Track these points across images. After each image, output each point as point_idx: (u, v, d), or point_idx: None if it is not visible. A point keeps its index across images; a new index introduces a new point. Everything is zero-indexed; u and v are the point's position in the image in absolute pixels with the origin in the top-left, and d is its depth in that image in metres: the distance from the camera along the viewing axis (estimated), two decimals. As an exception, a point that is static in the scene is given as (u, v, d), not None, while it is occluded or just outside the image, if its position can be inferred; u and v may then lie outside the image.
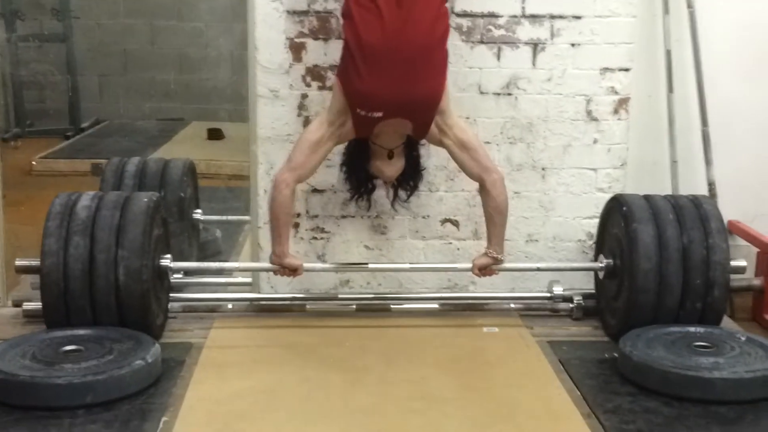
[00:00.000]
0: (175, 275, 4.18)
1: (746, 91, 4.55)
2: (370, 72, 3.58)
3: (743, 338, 3.63)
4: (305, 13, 4.06)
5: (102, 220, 3.70)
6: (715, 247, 3.77)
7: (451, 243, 4.32)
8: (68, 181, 7.27)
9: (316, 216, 4.25)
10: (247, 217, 4.79)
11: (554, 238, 4.34)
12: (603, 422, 3.14)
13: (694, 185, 4.47)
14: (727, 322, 4.05)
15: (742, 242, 4.56)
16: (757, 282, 4.36)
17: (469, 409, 3.25)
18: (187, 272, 4.47)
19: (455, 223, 4.30)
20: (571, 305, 4.19)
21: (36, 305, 3.87)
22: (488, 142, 4.19)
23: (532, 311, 4.25)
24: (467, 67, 4.16)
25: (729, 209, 4.40)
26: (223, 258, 5.24)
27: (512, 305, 4.28)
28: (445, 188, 4.25)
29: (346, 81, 3.66)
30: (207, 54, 10.37)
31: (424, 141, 3.93)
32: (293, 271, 3.86)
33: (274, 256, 3.84)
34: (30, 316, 3.99)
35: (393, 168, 3.86)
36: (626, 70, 4.22)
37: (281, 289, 4.26)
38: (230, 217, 5.58)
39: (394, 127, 3.73)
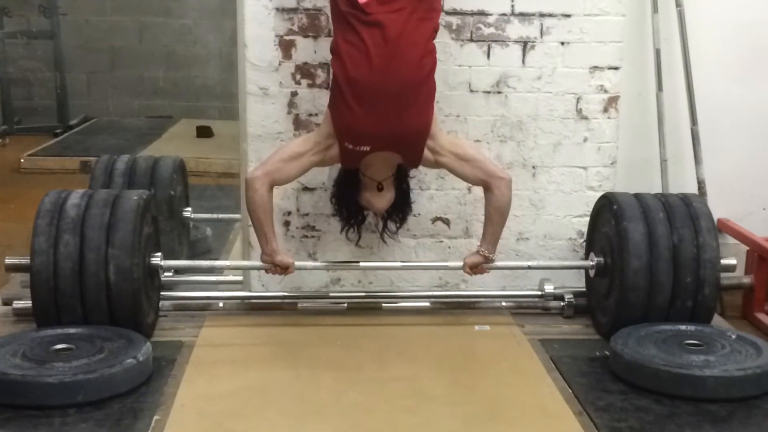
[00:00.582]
0: (166, 273, 4.17)
1: (735, 89, 4.57)
2: (357, 107, 3.61)
3: (734, 336, 3.64)
4: (294, 10, 4.05)
5: (92, 219, 3.68)
6: (705, 246, 3.78)
7: (442, 241, 4.32)
8: (57, 178, 7.26)
9: (307, 214, 4.24)
10: (237, 215, 4.79)
11: (545, 237, 4.35)
12: (594, 420, 3.15)
13: (683, 183, 4.49)
14: (717, 320, 4.06)
15: (731, 240, 4.58)
16: (747, 280, 4.38)
17: (461, 407, 3.25)
18: (178, 270, 4.46)
19: (446, 222, 4.30)
20: (562, 303, 4.19)
21: (26, 304, 3.85)
22: (478, 141, 4.20)
23: (523, 309, 4.25)
24: (457, 65, 4.15)
25: (719, 207, 4.41)
26: (214, 256, 5.23)
27: (503, 303, 4.28)
28: (435, 186, 4.25)
29: (336, 114, 3.69)
30: (196, 51, 10.37)
31: (413, 174, 3.96)
32: (285, 269, 3.85)
33: (265, 255, 3.83)
34: (20, 315, 3.97)
35: (383, 200, 3.87)
36: (616, 68, 4.22)
37: (272, 287, 4.26)
38: (220, 215, 5.57)
39: (383, 159, 3.76)
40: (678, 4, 4.40)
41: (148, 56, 10.39)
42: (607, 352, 3.62)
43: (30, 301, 3.72)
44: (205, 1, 10.22)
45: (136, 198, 3.81)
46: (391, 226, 4.04)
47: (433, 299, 4.29)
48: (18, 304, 4.01)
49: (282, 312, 4.21)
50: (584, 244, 4.29)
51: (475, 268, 3.95)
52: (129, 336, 3.54)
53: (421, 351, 3.80)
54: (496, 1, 4.12)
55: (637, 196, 3.98)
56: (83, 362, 3.29)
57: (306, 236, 4.26)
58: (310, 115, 4.11)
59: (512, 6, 4.13)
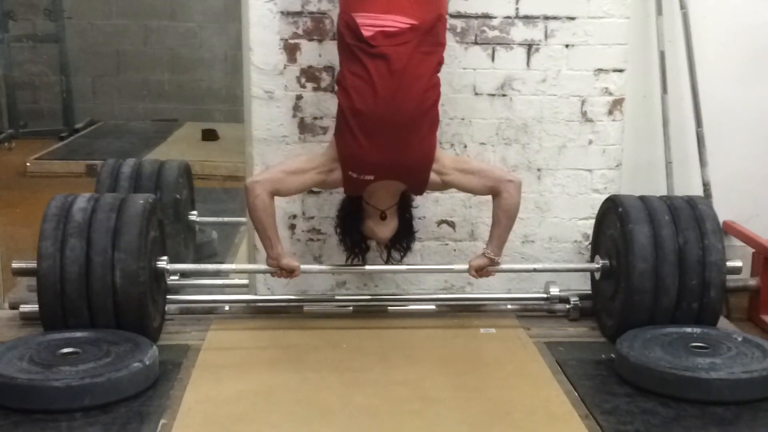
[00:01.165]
0: (172, 277, 4.17)
1: (740, 92, 4.56)
2: (363, 137, 3.63)
3: (740, 338, 3.64)
4: (299, 14, 4.05)
5: (98, 223, 3.69)
6: (710, 248, 3.78)
7: (447, 244, 4.32)
8: (63, 182, 7.27)
9: (312, 217, 4.25)
10: (242, 219, 4.79)
11: (550, 239, 4.35)
12: (601, 423, 3.15)
13: (689, 186, 4.48)
14: (723, 322, 4.06)
15: (737, 243, 4.57)
16: (752, 282, 4.37)
17: (466, 411, 3.26)
18: (184, 274, 4.47)
19: (451, 225, 4.30)
20: (567, 306, 4.20)
21: (33, 308, 3.86)
22: (483, 143, 4.21)
23: (528, 312, 4.25)
24: (461, 68, 4.16)
25: (724, 210, 4.40)
26: (220, 260, 5.24)
27: (509, 306, 4.28)
28: (441, 189, 4.25)
29: (341, 143, 3.70)
30: (201, 55, 10.38)
31: (417, 203, 3.99)
32: (290, 272, 3.86)
33: (270, 258, 3.84)
34: (27, 319, 3.99)
35: (386, 229, 3.88)
36: (620, 71, 4.22)
37: (278, 290, 4.26)
38: (226, 219, 5.58)
39: (386, 188, 3.78)
40: (682, 7, 4.40)
41: (154, 60, 10.40)
42: (612, 355, 3.62)
43: (36, 305, 3.73)
44: (210, 5, 10.24)
45: (142, 202, 3.82)
46: (395, 254, 4.05)
47: (438, 302, 4.30)
48: (25, 308, 4.02)
49: (288, 315, 4.21)
50: (590, 246, 4.29)
51: (480, 271, 3.95)
52: (135, 340, 3.55)
53: (427, 354, 3.80)
54: (500, 4, 4.12)
55: (642, 198, 3.97)
56: (90, 366, 3.30)
57: (311, 239, 4.27)
58: (315, 118, 4.12)
59: (517, 9, 4.13)
